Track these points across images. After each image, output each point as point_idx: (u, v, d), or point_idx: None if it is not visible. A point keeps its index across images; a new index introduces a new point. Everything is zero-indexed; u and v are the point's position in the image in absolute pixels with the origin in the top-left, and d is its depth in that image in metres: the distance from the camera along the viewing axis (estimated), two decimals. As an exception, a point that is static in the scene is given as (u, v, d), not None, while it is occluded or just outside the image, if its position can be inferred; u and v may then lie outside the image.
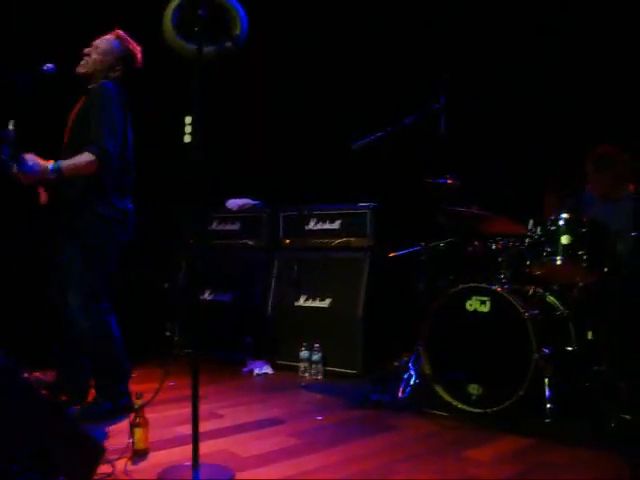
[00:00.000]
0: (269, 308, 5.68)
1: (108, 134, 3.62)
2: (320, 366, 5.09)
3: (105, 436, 3.45)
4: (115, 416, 3.76)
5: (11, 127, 3.35)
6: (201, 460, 2.84)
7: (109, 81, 3.83)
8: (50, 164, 3.48)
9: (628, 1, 4.72)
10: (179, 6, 3.63)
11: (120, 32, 3.98)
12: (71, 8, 5.35)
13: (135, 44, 4.00)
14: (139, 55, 4.00)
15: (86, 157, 3.55)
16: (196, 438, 2.84)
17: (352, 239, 5.41)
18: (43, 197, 3.65)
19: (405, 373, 4.30)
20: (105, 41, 3.93)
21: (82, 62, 3.88)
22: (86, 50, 3.90)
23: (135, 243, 4.05)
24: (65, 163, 3.52)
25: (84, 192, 3.71)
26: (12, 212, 5.04)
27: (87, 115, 3.72)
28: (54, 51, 3.77)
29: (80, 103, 3.87)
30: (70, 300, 3.75)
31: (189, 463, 2.84)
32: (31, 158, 3.43)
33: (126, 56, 3.95)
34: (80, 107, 3.85)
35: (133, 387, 3.90)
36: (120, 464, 3.03)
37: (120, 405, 3.84)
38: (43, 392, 3.57)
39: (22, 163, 3.38)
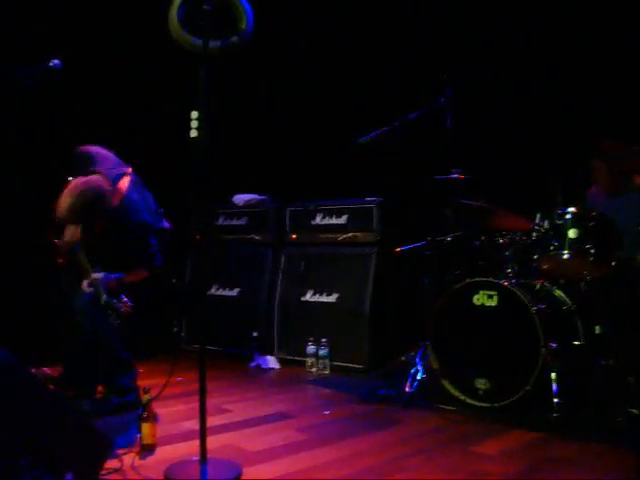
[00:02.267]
0: (276, 303, 5.68)
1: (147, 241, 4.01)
2: (327, 361, 5.10)
3: (113, 431, 3.46)
4: (123, 411, 3.77)
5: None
6: (208, 455, 2.84)
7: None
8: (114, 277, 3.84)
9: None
10: (185, 1, 3.62)
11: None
12: (77, 3, 5.35)
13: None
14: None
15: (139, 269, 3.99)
16: (203, 433, 2.84)
17: (359, 234, 5.40)
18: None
19: (412, 368, 4.30)
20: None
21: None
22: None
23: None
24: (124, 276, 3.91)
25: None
26: (15, 211, 5.07)
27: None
28: (60, 47, 3.77)
29: None
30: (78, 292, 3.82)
31: (197, 458, 2.85)
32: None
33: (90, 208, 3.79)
34: None
35: (141, 382, 3.91)
36: (128, 459, 3.04)
37: (128, 400, 3.85)
38: (51, 387, 3.61)
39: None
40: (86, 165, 3.92)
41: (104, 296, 3.68)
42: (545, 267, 4.19)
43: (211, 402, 3.21)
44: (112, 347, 3.88)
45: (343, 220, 5.51)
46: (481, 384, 3.95)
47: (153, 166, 4.08)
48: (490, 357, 3.94)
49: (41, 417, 2.48)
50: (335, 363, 5.14)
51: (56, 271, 4.00)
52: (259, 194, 6.17)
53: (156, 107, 5.76)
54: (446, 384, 4.09)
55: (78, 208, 3.64)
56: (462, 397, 4.01)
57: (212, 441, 2.99)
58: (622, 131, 4.45)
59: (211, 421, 3.07)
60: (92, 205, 3.69)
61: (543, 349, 3.75)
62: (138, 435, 3.20)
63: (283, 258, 5.79)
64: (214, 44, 3.26)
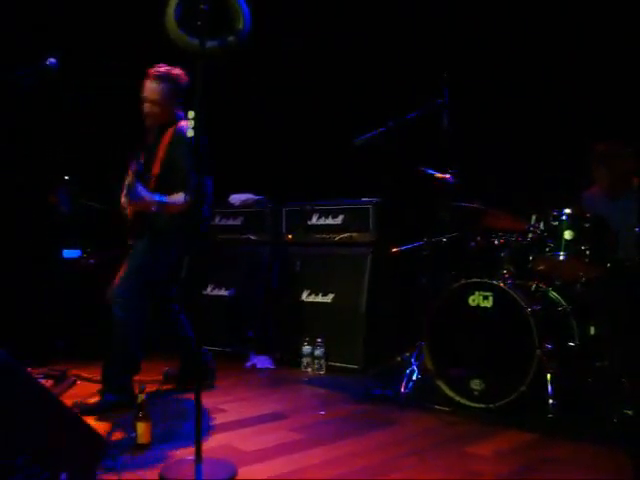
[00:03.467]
0: (271, 303, 5.67)
1: (194, 180, 3.85)
2: (323, 361, 5.10)
3: (108, 430, 3.46)
4: (119, 410, 3.77)
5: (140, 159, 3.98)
6: (203, 455, 2.84)
7: (183, 125, 4.08)
8: (156, 196, 3.89)
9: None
10: (182, 0, 3.62)
11: (155, 72, 4.11)
12: (74, 2, 5.35)
13: (173, 71, 4.13)
14: (183, 78, 4.14)
15: (181, 199, 3.94)
16: (199, 433, 2.84)
17: (355, 234, 5.40)
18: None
19: (407, 368, 4.31)
20: (153, 89, 4.09)
21: (147, 118, 4.13)
22: (146, 109, 4.11)
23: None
24: (167, 199, 3.93)
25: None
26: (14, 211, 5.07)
27: (175, 155, 4.03)
28: (57, 47, 3.77)
29: (165, 142, 4.10)
30: (117, 289, 4.01)
31: (192, 457, 2.84)
32: (143, 189, 3.86)
33: (175, 93, 4.12)
34: (166, 148, 4.09)
35: (135, 381, 3.91)
36: (123, 458, 3.04)
37: (124, 399, 3.87)
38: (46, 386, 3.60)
39: (135, 192, 3.83)
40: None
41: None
42: (541, 268, 4.20)
43: (206, 402, 3.22)
44: (132, 342, 3.99)
45: (339, 220, 5.51)
46: (476, 385, 3.95)
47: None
48: (485, 358, 3.95)
49: (36, 416, 2.48)
50: (331, 363, 5.13)
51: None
52: (255, 194, 6.17)
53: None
54: (441, 385, 4.10)
55: None
56: (457, 398, 4.02)
57: (207, 441, 2.99)
58: (619, 132, 4.47)
59: (206, 421, 3.07)
60: None
61: (538, 350, 3.75)
62: (133, 434, 3.20)
63: (279, 258, 5.78)
64: (211, 44, 3.26)
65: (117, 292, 3.99)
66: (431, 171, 4.40)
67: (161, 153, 4.10)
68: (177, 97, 4.14)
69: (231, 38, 3.51)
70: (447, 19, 5.53)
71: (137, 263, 4.07)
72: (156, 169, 4.09)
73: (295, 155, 6.20)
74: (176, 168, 4.00)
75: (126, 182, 3.95)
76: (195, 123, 3.04)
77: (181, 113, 4.17)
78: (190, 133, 3.38)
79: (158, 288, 4.18)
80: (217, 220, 6.28)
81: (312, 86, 6.21)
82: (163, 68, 4.12)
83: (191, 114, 3.00)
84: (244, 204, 6.15)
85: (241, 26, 3.54)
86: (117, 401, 3.87)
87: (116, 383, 3.94)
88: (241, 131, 6.48)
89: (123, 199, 4.02)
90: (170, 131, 4.12)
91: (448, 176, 4.37)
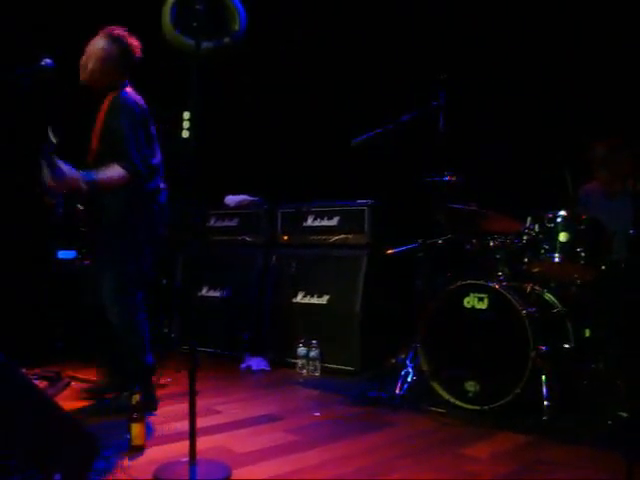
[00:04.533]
0: (267, 305, 5.67)
1: (134, 148, 3.68)
2: (317, 363, 5.09)
3: (102, 431, 3.45)
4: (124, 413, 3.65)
5: (51, 137, 3.36)
6: (198, 456, 2.84)
7: (125, 91, 3.82)
8: (82, 173, 3.49)
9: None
10: (177, 1, 3.62)
11: (109, 30, 3.87)
12: (69, 3, 5.34)
13: (129, 37, 3.89)
14: (136, 48, 3.90)
15: (118, 171, 3.60)
16: (193, 434, 2.84)
17: (350, 236, 5.40)
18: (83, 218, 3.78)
19: (403, 370, 4.31)
20: (97, 48, 3.82)
21: (82, 73, 3.83)
22: (82, 60, 3.83)
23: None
24: (99, 176, 3.56)
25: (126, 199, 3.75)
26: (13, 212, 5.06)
27: (111, 124, 3.74)
28: (52, 47, 3.76)
29: (103, 110, 3.82)
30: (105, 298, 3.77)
31: (186, 459, 2.84)
32: (67, 167, 3.42)
33: (123, 58, 3.85)
34: (104, 117, 3.80)
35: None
36: (117, 460, 3.03)
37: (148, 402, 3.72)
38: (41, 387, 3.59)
39: (57, 170, 3.38)
40: None
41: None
42: (536, 270, 4.20)
43: (201, 403, 3.21)
44: (139, 347, 3.81)
45: (335, 222, 5.50)
46: (471, 387, 3.95)
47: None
48: (480, 360, 3.95)
49: (30, 418, 2.47)
50: (326, 365, 5.13)
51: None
52: (251, 195, 6.17)
53: (148, 107, 5.75)
54: (436, 386, 4.10)
55: None
56: (452, 399, 4.02)
57: (202, 442, 2.98)
58: (617, 134, 4.48)
59: (201, 422, 3.07)
60: None
61: (533, 352, 3.76)
62: (127, 436, 3.19)
63: (274, 259, 5.78)
64: (207, 45, 3.26)
65: (107, 301, 3.75)
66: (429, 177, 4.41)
67: (99, 124, 3.80)
68: (124, 65, 3.84)
69: (227, 39, 3.51)
70: (444, 20, 5.53)
71: (109, 259, 3.78)
72: (95, 143, 3.80)
73: (291, 156, 6.20)
74: (115, 138, 3.68)
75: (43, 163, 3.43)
76: (190, 124, 3.03)
77: (126, 81, 3.87)
78: (185, 134, 3.34)
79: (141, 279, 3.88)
80: (212, 221, 6.28)
81: (309, 87, 6.21)
82: (119, 30, 3.86)
83: (186, 115, 3.00)
84: (239, 205, 6.16)
85: (237, 27, 3.54)
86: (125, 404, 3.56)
87: (126, 386, 3.71)
88: (237, 132, 6.48)
89: (49, 181, 3.47)
90: (109, 97, 3.81)
91: (444, 178, 4.38)
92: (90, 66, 3.80)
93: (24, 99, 4.22)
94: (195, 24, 3.01)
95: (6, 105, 3.62)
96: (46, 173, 3.39)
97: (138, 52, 3.91)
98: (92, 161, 3.73)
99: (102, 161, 3.66)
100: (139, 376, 3.78)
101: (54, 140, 3.36)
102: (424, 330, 4.22)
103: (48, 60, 3.43)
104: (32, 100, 4.55)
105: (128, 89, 3.85)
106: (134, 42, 3.90)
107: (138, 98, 3.86)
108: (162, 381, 4.53)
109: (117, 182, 3.62)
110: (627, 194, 4.40)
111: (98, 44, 3.82)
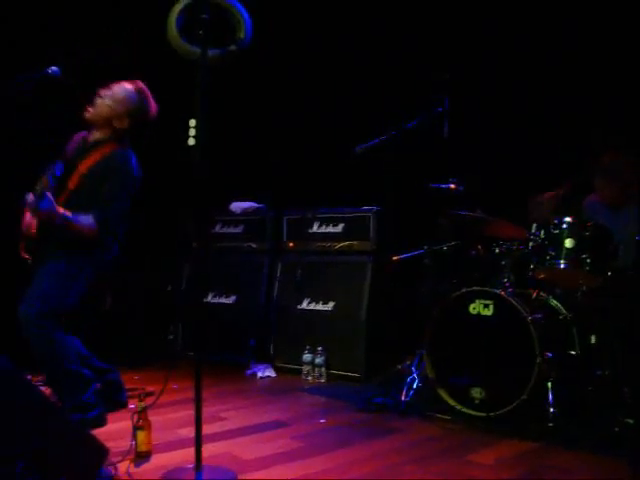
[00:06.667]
0: (272, 311, 5.68)
1: (116, 211, 3.70)
2: (323, 369, 5.09)
3: (107, 438, 3.45)
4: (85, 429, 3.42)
5: (53, 172, 3.50)
6: (204, 463, 2.84)
7: (130, 150, 3.81)
8: (62, 212, 3.48)
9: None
10: (183, 9, 3.64)
11: (141, 85, 3.88)
12: (76, 10, 5.37)
13: (152, 100, 3.90)
14: (153, 112, 3.90)
15: (90, 223, 3.59)
16: (199, 440, 2.84)
17: (355, 242, 5.41)
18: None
19: (408, 376, 4.30)
20: (123, 90, 3.81)
21: (94, 105, 3.79)
22: (102, 92, 3.80)
23: (139, 246, 4.05)
24: (73, 219, 3.53)
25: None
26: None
27: (103, 177, 3.70)
28: (59, 54, 3.79)
29: (95, 158, 3.75)
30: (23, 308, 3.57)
31: (192, 466, 2.85)
32: (50, 199, 3.40)
33: (139, 111, 3.83)
34: (97, 163, 3.74)
35: (137, 389, 3.91)
36: (123, 466, 3.03)
37: (90, 417, 3.63)
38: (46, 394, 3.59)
39: (43, 201, 3.37)
40: None
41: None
42: (541, 277, 4.20)
43: (207, 410, 3.21)
44: (66, 362, 3.60)
45: (340, 229, 5.52)
46: (477, 393, 3.95)
47: (151, 173, 4.08)
48: (486, 366, 3.94)
49: (36, 423, 2.47)
50: (331, 371, 5.13)
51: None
52: (256, 202, 6.18)
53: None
54: (442, 393, 4.09)
55: None
56: (458, 406, 4.01)
57: (207, 449, 2.99)
58: (620, 137, 4.48)
59: (206, 429, 3.07)
60: None
61: (539, 358, 3.75)
62: (133, 442, 3.20)
63: (280, 266, 5.79)
64: (213, 53, 3.27)
65: (24, 313, 3.53)
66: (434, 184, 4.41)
67: (83, 168, 3.73)
68: (137, 118, 3.82)
69: (233, 47, 3.52)
70: (447, 26, 5.54)
71: (51, 284, 3.62)
72: (72, 183, 3.71)
73: (296, 163, 6.21)
74: (95, 192, 3.65)
75: (37, 188, 3.39)
76: (196, 131, 3.04)
77: (128, 139, 3.84)
78: (191, 141, 3.34)
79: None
80: (218, 228, 6.29)
81: (314, 94, 6.23)
82: (145, 87, 3.88)
83: (192, 122, 3.00)
84: (245, 212, 6.17)
85: (242, 35, 3.56)
86: (82, 420, 3.54)
87: (77, 403, 3.60)
88: (242, 139, 6.49)
89: (29, 208, 3.51)
90: (107, 149, 3.77)
91: (449, 184, 4.39)
92: (106, 102, 3.78)
93: (29, 104, 4.23)
94: (201, 32, 3.03)
95: (10, 110, 3.63)
96: (32, 199, 3.40)
97: (154, 114, 3.91)
98: (63, 199, 3.64)
99: (76, 205, 3.61)
100: (82, 390, 3.66)
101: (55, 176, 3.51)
102: (429, 336, 4.21)
103: (54, 68, 3.45)
104: (34, 106, 4.57)
105: (131, 153, 3.82)
106: (154, 104, 3.91)
107: (137, 163, 3.83)
108: (168, 388, 4.54)
109: (85, 233, 3.61)
110: (632, 203, 4.37)
111: (122, 87, 3.82)
